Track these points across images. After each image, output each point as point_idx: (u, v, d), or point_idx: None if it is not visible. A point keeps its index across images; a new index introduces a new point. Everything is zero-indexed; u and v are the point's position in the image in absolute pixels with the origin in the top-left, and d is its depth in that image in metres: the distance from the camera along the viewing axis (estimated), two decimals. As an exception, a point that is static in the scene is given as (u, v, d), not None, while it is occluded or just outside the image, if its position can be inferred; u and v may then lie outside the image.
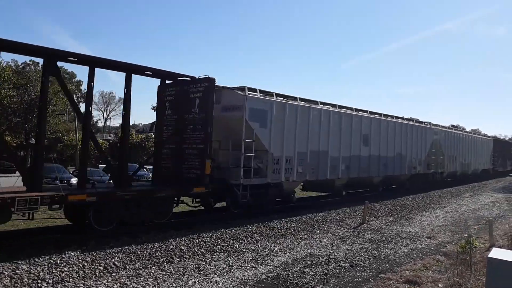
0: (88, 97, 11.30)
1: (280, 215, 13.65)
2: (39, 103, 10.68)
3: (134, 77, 11.45)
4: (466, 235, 10.48)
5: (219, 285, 7.33)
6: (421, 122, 25.25)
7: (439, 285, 7.45)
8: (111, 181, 11.77)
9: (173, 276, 7.70)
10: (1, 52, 9.54)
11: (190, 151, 12.01)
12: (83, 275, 7.37)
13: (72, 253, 8.10)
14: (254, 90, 13.77)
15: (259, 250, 9.87)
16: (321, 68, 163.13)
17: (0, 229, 10.72)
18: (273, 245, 10.46)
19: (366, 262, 9.22)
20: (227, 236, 10.62)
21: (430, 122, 26.43)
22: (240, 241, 10.46)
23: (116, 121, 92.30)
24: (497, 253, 5.54)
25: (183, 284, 7.31)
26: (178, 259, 8.74)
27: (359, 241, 11.37)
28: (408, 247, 10.90)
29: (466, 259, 8.42)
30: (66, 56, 10.37)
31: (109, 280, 7.24)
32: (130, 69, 11.30)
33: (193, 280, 7.55)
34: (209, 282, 7.49)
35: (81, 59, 10.57)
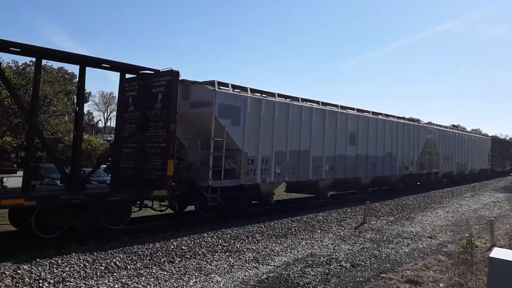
0: (35, 90, 10.09)
1: (280, 215, 13.65)
2: None
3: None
4: (467, 235, 10.47)
5: (220, 285, 7.34)
6: (413, 120, 24.36)
7: (440, 285, 7.45)
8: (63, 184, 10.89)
9: (174, 276, 7.70)
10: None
11: (152, 150, 11.23)
12: (84, 275, 7.38)
13: (73, 253, 8.12)
14: (226, 84, 12.87)
15: (260, 250, 9.88)
16: (321, 68, 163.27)
17: (0, 230, 10.75)
18: (274, 245, 10.46)
19: (367, 262, 9.22)
20: (228, 236, 10.63)
21: (421, 121, 25.51)
22: (241, 241, 10.46)
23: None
24: (498, 253, 5.54)
25: (184, 284, 7.31)
26: (179, 259, 8.74)
27: (360, 241, 11.36)
28: (409, 247, 10.90)
29: (467, 259, 8.41)
30: (8, 46, 9.07)
31: (110, 280, 7.25)
32: (83, 61, 10.40)
33: (194, 280, 7.56)
34: (210, 282, 7.49)
35: (26, 50, 9.51)
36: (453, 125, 38.56)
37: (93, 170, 12.36)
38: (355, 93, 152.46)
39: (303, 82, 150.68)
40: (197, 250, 9.40)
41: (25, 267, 7.24)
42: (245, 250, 9.78)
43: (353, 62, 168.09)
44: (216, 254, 9.34)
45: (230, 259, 8.97)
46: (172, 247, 9.27)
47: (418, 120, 24.87)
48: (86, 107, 73.72)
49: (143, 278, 7.47)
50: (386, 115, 21.16)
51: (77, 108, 10.85)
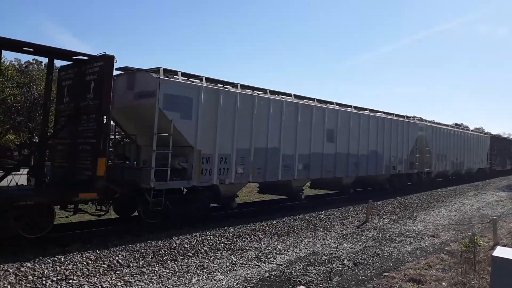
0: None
1: (283, 214, 13.65)
2: None
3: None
4: (470, 233, 10.44)
5: (223, 283, 7.35)
6: (402, 117, 22.44)
7: (443, 283, 7.44)
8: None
9: (177, 274, 7.72)
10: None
11: (83, 147, 9.93)
12: (87, 272, 7.40)
13: (76, 251, 8.14)
14: (175, 72, 11.39)
15: (263, 248, 9.88)
16: (319, 68, 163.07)
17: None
18: (277, 243, 10.46)
19: (370, 261, 9.22)
20: (230, 234, 10.63)
21: (412, 117, 23.88)
22: (243, 239, 10.47)
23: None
24: (501, 252, 5.54)
25: (187, 282, 7.33)
26: (181, 257, 8.76)
27: (362, 239, 11.36)
28: (412, 246, 10.88)
29: (470, 258, 8.40)
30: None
31: (113, 278, 7.27)
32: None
33: (196, 278, 7.57)
34: (213, 280, 7.50)
35: None
36: (456, 124, 37.58)
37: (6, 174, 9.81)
38: (355, 93, 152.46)
39: (302, 82, 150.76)
40: (199, 248, 9.41)
41: (28, 264, 7.27)
42: (247, 248, 9.78)
43: (352, 62, 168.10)
44: (219, 252, 9.36)
45: (233, 257, 8.98)
46: (174, 245, 9.29)
47: (408, 117, 23.19)
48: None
49: (145, 276, 7.49)
50: (371, 110, 19.57)
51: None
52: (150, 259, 8.42)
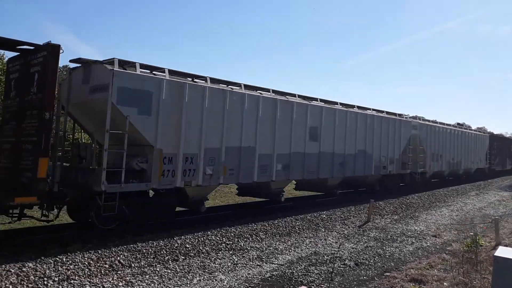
0: None
1: (284, 214, 13.64)
2: None
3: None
4: (472, 233, 10.43)
5: (224, 283, 7.35)
6: (394, 114, 21.25)
7: (445, 283, 7.42)
8: None
9: (178, 274, 7.72)
10: None
11: (26, 146, 9.11)
12: (88, 272, 7.41)
13: (77, 251, 8.16)
14: (132, 64, 10.39)
15: (264, 248, 9.88)
16: (320, 68, 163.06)
17: (5, 228, 10.80)
18: (278, 243, 10.46)
19: (371, 261, 9.21)
20: (232, 234, 10.64)
21: (404, 115, 22.85)
22: (245, 239, 10.47)
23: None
24: (503, 252, 5.53)
25: (188, 282, 7.33)
26: (183, 257, 8.76)
27: (364, 239, 11.35)
28: (414, 246, 10.87)
29: (472, 258, 8.38)
30: None
31: (115, 278, 7.28)
32: None
33: (198, 278, 7.58)
34: (214, 280, 7.51)
35: None
36: (458, 124, 37.26)
37: None
38: (355, 93, 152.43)
39: (302, 82, 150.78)
40: (201, 248, 9.42)
41: (30, 265, 7.28)
42: (249, 249, 9.79)
43: (353, 62, 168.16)
44: (220, 252, 9.36)
45: (234, 258, 8.98)
46: (176, 245, 9.29)
47: (400, 114, 22.02)
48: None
49: (147, 276, 7.50)
50: (360, 108, 18.56)
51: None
52: (152, 259, 8.43)
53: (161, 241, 9.37)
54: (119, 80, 9.66)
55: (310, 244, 10.56)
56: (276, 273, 8.07)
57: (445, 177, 28.12)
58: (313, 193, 18.56)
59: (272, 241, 10.62)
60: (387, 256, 9.70)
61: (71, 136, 12.07)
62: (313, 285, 7.42)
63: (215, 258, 8.86)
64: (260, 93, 13.54)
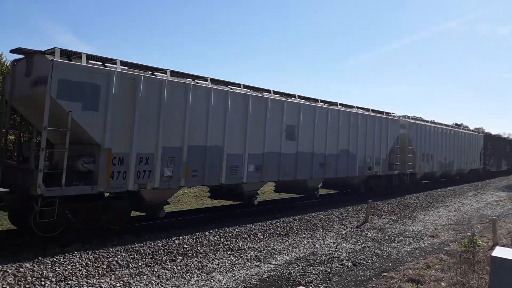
0: None
1: (283, 214, 13.65)
2: None
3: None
4: (469, 234, 10.45)
5: (222, 284, 7.35)
6: (381, 113, 20.15)
7: (442, 284, 7.44)
8: None
9: (176, 275, 7.72)
10: None
11: None
12: (86, 273, 7.40)
13: (75, 251, 8.14)
14: (78, 54, 9.34)
15: (262, 249, 9.88)
16: (320, 67, 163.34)
17: (3, 228, 10.79)
18: (276, 243, 10.46)
19: (369, 261, 9.22)
20: (230, 234, 10.64)
21: (392, 113, 21.74)
22: (243, 240, 10.47)
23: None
24: (500, 252, 5.54)
25: (186, 283, 7.33)
26: (181, 258, 8.76)
27: (362, 239, 11.36)
28: (411, 246, 10.89)
29: (469, 258, 8.40)
30: None
31: (112, 279, 7.27)
32: None
33: (195, 278, 7.57)
34: (212, 280, 7.50)
35: None
36: (456, 124, 36.94)
37: None
38: (356, 93, 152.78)
39: (302, 83, 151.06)
40: (199, 248, 9.41)
41: (27, 265, 7.27)
42: (246, 249, 9.79)
43: (353, 62, 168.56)
44: (218, 252, 9.36)
45: (232, 258, 8.98)
46: (174, 245, 9.29)
47: (388, 113, 20.96)
48: None
49: (144, 276, 7.49)
50: (343, 105, 17.62)
51: None
52: (150, 260, 8.42)
53: (159, 242, 9.36)
54: (60, 72, 8.70)
55: (308, 245, 10.56)
56: (274, 273, 8.07)
57: (436, 178, 27.28)
58: (295, 196, 17.77)
59: (270, 242, 10.62)
60: (385, 256, 9.71)
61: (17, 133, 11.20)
62: (311, 286, 7.43)
63: (213, 259, 8.85)
64: (231, 88, 12.54)
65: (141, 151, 10.04)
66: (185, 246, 9.39)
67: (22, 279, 6.82)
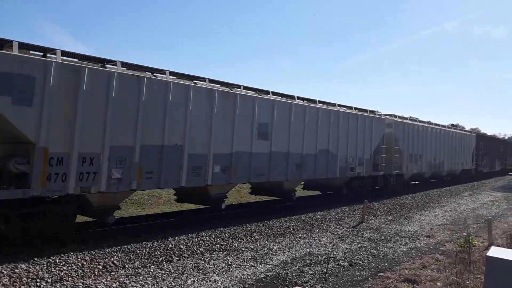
0: None
1: (279, 214, 13.65)
2: None
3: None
4: (465, 234, 10.50)
5: (218, 284, 7.34)
6: (365, 111, 19.26)
7: (438, 283, 7.47)
8: None
9: (172, 275, 7.71)
10: None
11: None
12: (82, 274, 7.38)
13: (71, 252, 8.11)
14: (9, 42, 8.43)
15: (258, 249, 9.88)
16: (318, 68, 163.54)
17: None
18: (272, 244, 10.46)
19: (365, 261, 9.24)
20: (226, 235, 10.63)
21: (377, 111, 20.66)
22: (239, 240, 10.47)
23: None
24: (496, 252, 5.57)
25: (182, 283, 7.32)
26: (177, 258, 8.74)
27: (358, 240, 11.38)
28: (407, 246, 10.92)
29: (465, 258, 8.43)
30: None
31: (108, 279, 7.25)
32: None
33: (192, 279, 7.56)
34: (208, 281, 7.50)
35: None
36: (452, 124, 36.89)
37: None
38: (356, 93, 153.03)
39: (302, 82, 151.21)
40: (195, 249, 9.40)
41: (23, 266, 7.24)
42: (243, 249, 9.78)
43: (350, 62, 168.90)
44: (214, 253, 9.35)
45: (228, 258, 8.97)
46: (170, 246, 9.27)
47: (372, 111, 20.06)
48: None
49: (141, 277, 7.48)
50: (323, 103, 16.67)
51: None
52: (146, 260, 8.40)
53: (155, 242, 9.35)
54: None
55: (304, 245, 10.57)
56: (271, 273, 8.07)
57: (427, 179, 26.46)
58: (270, 198, 17.13)
59: (266, 242, 10.62)
60: (381, 257, 9.73)
61: None
62: (307, 286, 7.43)
63: (209, 259, 8.85)
64: (195, 83, 11.57)
65: (84, 150, 9.01)
66: (182, 246, 9.37)
67: (18, 280, 6.79)
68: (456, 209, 18.40)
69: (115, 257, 8.25)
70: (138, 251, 8.70)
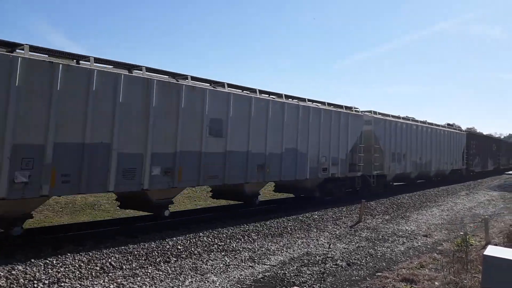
0: None
1: (277, 214, 13.64)
2: None
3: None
4: (462, 233, 10.53)
5: (216, 285, 7.33)
6: (340, 107, 17.83)
7: (436, 283, 7.48)
8: None
9: (170, 276, 7.69)
10: None
11: None
12: (79, 275, 7.35)
13: (68, 253, 8.08)
14: None
15: (256, 249, 9.88)
16: (314, 67, 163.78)
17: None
18: (270, 244, 10.46)
19: (363, 261, 9.25)
20: (224, 235, 10.62)
21: (355, 108, 19.24)
22: (237, 240, 10.46)
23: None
24: (492, 251, 5.58)
25: (180, 284, 7.30)
26: (175, 259, 8.73)
27: (355, 239, 11.39)
28: (405, 246, 10.94)
29: (462, 257, 8.45)
30: None
31: (106, 280, 7.22)
32: None
33: (190, 279, 7.55)
34: (206, 281, 7.48)
35: None
36: (448, 124, 36.62)
37: None
38: (356, 93, 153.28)
39: (302, 82, 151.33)
40: (192, 249, 9.39)
41: (20, 267, 7.20)
42: (241, 250, 9.77)
43: (347, 62, 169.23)
44: (212, 253, 9.34)
45: (226, 259, 8.96)
46: (168, 246, 9.25)
47: (348, 107, 18.51)
48: None
49: (138, 278, 7.46)
50: (290, 97, 15.33)
51: None
52: (143, 261, 8.38)
53: (153, 243, 9.32)
54: None
55: (302, 245, 10.57)
56: (268, 274, 8.07)
57: (412, 179, 25.03)
58: (232, 203, 15.61)
59: (264, 242, 10.61)
60: (379, 256, 9.75)
61: None
62: (305, 286, 7.43)
63: (207, 260, 8.83)
64: (130, 72, 10.25)
65: None
66: (179, 247, 9.36)
67: (15, 281, 6.75)
68: (453, 208, 18.45)
69: (112, 258, 8.23)
70: (136, 252, 8.68)
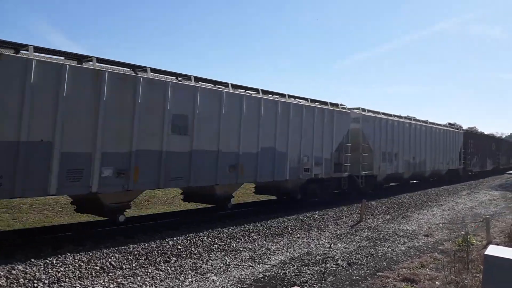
0: None
1: (277, 214, 13.62)
2: None
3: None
4: (463, 232, 10.50)
5: (216, 284, 7.32)
6: (325, 103, 16.71)
7: (437, 282, 7.46)
8: None
9: (170, 276, 7.68)
10: None
11: None
12: (79, 275, 7.34)
13: (68, 253, 8.08)
14: None
15: (256, 249, 9.86)
16: (314, 67, 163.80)
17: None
18: (271, 244, 10.44)
19: (364, 260, 9.22)
20: (224, 235, 10.60)
21: (342, 104, 18.07)
22: (237, 240, 10.44)
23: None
24: (494, 250, 5.55)
25: (180, 284, 7.29)
26: (175, 259, 8.71)
27: (356, 239, 11.37)
28: (406, 245, 10.91)
29: (463, 257, 8.43)
30: None
31: (106, 280, 7.21)
32: None
33: (190, 279, 7.53)
34: (206, 281, 7.47)
35: None
36: (449, 124, 36.37)
37: None
38: (356, 93, 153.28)
39: (302, 82, 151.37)
40: (193, 249, 9.37)
41: (20, 267, 7.20)
42: (241, 249, 9.76)
43: (347, 62, 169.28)
44: (212, 253, 9.32)
45: (226, 258, 8.95)
46: (168, 246, 9.24)
47: (333, 104, 17.43)
48: None
49: (138, 278, 7.44)
50: (268, 92, 14.30)
51: None
52: (143, 261, 8.37)
53: (153, 243, 9.31)
54: None
55: (302, 245, 10.55)
56: (269, 273, 8.05)
57: (406, 180, 24.02)
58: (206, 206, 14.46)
59: (264, 242, 10.60)
60: (380, 256, 9.72)
61: None
62: (305, 286, 7.42)
63: (207, 259, 8.82)
64: (80, 63, 9.31)
65: None
66: (179, 247, 9.34)
67: (15, 281, 6.75)
68: (454, 208, 18.41)
69: (112, 257, 8.22)
70: (136, 252, 8.67)
